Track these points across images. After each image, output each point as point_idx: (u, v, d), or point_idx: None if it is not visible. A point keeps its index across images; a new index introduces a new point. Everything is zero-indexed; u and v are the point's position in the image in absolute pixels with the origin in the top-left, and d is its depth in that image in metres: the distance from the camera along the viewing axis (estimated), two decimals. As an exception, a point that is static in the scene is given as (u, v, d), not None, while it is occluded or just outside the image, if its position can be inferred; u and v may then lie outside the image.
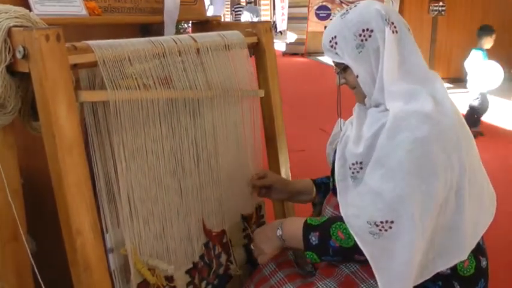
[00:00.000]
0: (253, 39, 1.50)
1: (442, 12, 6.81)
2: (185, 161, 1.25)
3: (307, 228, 1.14)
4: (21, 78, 0.96)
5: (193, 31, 1.70)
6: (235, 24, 1.65)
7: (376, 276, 1.04)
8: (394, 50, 1.09)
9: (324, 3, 11.05)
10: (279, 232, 1.19)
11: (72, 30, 1.20)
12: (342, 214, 1.10)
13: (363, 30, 1.10)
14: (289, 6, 12.03)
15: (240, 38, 1.42)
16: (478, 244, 1.15)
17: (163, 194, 1.19)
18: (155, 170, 1.17)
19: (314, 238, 1.12)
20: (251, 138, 1.51)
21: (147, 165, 1.14)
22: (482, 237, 1.18)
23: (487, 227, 1.17)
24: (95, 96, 1.03)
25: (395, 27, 1.10)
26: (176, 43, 1.20)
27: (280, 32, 14.79)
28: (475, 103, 4.49)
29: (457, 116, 1.10)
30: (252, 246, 1.31)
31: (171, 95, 1.18)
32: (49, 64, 0.88)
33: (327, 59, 1.22)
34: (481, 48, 4.93)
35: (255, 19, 12.67)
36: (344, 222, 1.08)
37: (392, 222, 1.01)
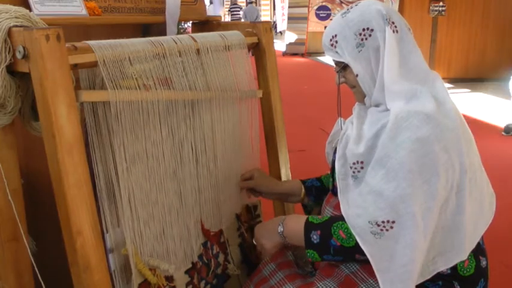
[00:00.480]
0: (254, 40, 1.50)
1: (442, 13, 6.81)
2: (184, 164, 1.25)
3: (309, 226, 1.14)
4: (21, 78, 0.96)
5: (194, 31, 1.70)
6: (236, 24, 1.65)
7: (378, 276, 1.04)
8: (394, 49, 1.09)
9: (324, 4, 11.05)
10: (280, 229, 1.20)
11: (72, 30, 1.20)
12: (343, 214, 1.10)
13: (363, 30, 1.10)
14: (289, 7, 12.03)
15: (240, 38, 1.42)
16: (478, 244, 1.15)
17: (164, 197, 1.19)
18: (155, 173, 1.17)
19: (315, 237, 1.12)
20: (249, 139, 1.51)
21: (147, 168, 1.14)
22: (482, 237, 1.18)
23: (487, 227, 1.17)
24: (95, 96, 1.03)
25: (395, 26, 1.11)
26: (176, 43, 1.20)
27: (280, 32, 14.80)
28: None
29: (458, 116, 1.10)
30: (253, 241, 1.31)
31: (171, 95, 1.18)
32: (49, 64, 0.88)
33: (327, 59, 1.22)
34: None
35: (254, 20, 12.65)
36: (346, 222, 1.08)
37: (393, 222, 1.01)
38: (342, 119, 1.35)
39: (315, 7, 11.06)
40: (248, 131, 1.50)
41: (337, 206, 1.19)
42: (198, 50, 1.26)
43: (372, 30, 1.10)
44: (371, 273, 1.09)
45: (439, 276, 1.11)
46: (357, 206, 1.08)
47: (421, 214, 1.02)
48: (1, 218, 1.02)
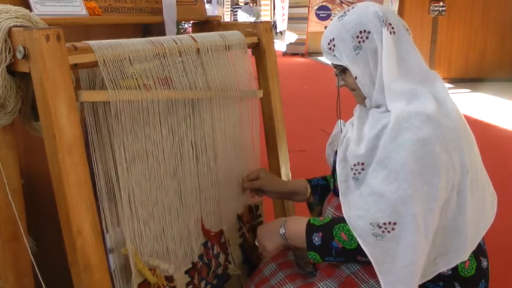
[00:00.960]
0: (254, 40, 1.50)
1: (443, 13, 6.81)
2: (185, 163, 1.25)
3: (310, 228, 1.14)
4: (21, 78, 0.96)
5: (194, 31, 1.70)
6: (236, 24, 1.65)
7: (380, 278, 1.04)
8: (392, 50, 1.09)
9: (324, 4, 11.05)
10: (282, 230, 1.20)
11: (73, 30, 1.20)
12: (345, 215, 1.10)
13: (360, 32, 1.10)
14: (290, 7, 12.03)
15: (240, 38, 1.42)
16: (479, 245, 1.15)
17: (164, 196, 1.19)
18: (155, 172, 1.17)
19: (317, 239, 1.12)
20: (250, 139, 1.51)
21: (147, 167, 1.14)
22: (483, 238, 1.18)
23: (488, 228, 1.17)
24: (95, 96, 1.03)
25: (392, 28, 1.11)
26: (176, 43, 1.20)
27: (280, 32, 14.80)
28: None
29: (459, 117, 1.10)
30: (256, 242, 1.31)
31: (171, 95, 1.18)
32: (49, 64, 0.88)
33: (327, 60, 1.21)
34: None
35: (251, 19, 12.73)
36: (347, 224, 1.08)
37: (395, 223, 1.01)
38: (341, 121, 1.35)
39: (315, 7, 11.06)
40: (249, 130, 1.50)
41: (338, 207, 1.19)
42: (198, 49, 1.26)
43: (369, 32, 1.10)
44: (372, 274, 1.09)
45: (439, 277, 1.10)
46: (358, 208, 1.08)
47: (422, 215, 1.01)
48: (1, 218, 1.02)
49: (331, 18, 11.10)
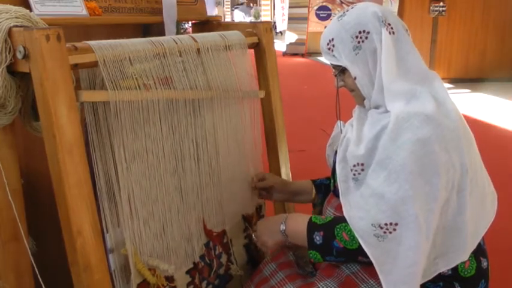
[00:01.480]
0: (254, 40, 1.50)
1: (443, 13, 6.81)
2: (185, 161, 1.25)
3: (312, 227, 1.13)
4: (21, 79, 0.96)
5: (194, 31, 1.70)
6: (236, 25, 1.65)
7: (381, 278, 1.04)
8: (391, 50, 1.09)
9: (324, 4, 11.04)
10: (282, 227, 1.19)
11: (73, 31, 1.20)
12: (346, 216, 1.09)
13: (360, 32, 1.10)
14: (290, 7, 12.02)
15: (240, 38, 1.42)
16: (479, 245, 1.15)
17: (164, 194, 1.19)
18: (156, 170, 1.17)
19: (318, 237, 1.11)
20: (251, 139, 1.51)
21: (147, 165, 1.14)
22: (482, 238, 1.18)
23: (488, 227, 1.17)
24: (96, 96, 1.03)
25: (392, 28, 1.11)
26: (176, 43, 1.20)
27: (280, 32, 14.81)
28: None
29: (458, 116, 1.10)
30: (253, 237, 1.31)
31: (171, 95, 1.18)
32: (49, 64, 0.88)
33: (326, 60, 1.21)
34: None
35: (247, 19, 12.79)
36: (349, 224, 1.08)
37: (396, 224, 1.01)
38: (341, 122, 1.35)
39: (315, 7, 11.05)
40: (250, 130, 1.50)
41: (338, 207, 1.19)
42: (198, 49, 1.26)
43: (368, 32, 1.10)
44: (372, 274, 1.09)
45: (439, 277, 1.10)
46: (359, 209, 1.07)
47: (423, 215, 1.01)
48: (1, 218, 1.02)
49: (331, 18, 11.09)
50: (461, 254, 1.09)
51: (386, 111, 1.10)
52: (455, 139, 1.06)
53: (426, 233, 1.03)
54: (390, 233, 1.02)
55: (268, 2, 17.39)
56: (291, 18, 11.79)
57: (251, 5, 20.86)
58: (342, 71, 1.17)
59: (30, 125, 1.04)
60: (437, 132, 1.02)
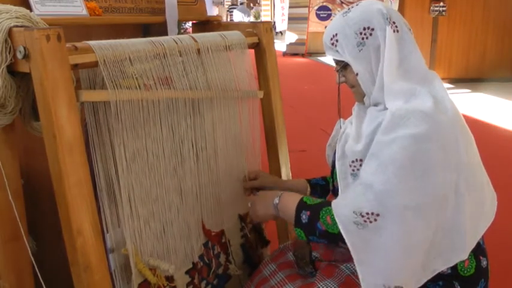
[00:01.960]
0: (254, 40, 1.50)
1: (443, 13, 6.81)
2: (185, 161, 1.25)
3: (301, 205, 1.16)
4: (21, 79, 0.96)
5: (194, 31, 1.70)
6: (236, 25, 1.65)
7: (358, 269, 1.05)
8: (394, 48, 1.10)
9: (324, 4, 11.04)
10: (276, 201, 1.22)
11: (73, 31, 1.20)
12: (332, 203, 1.11)
13: (364, 29, 1.10)
14: (290, 7, 12.02)
15: (240, 38, 1.42)
16: (479, 244, 1.15)
17: (164, 193, 1.19)
18: (156, 170, 1.17)
19: (304, 216, 1.14)
20: (250, 139, 1.51)
21: (147, 165, 1.15)
22: (482, 237, 1.18)
23: (488, 227, 1.17)
24: (96, 96, 1.03)
25: (396, 26, 1.11)
26: (177, 43, 1.20)
27: (280, 32, 14.82)
28: None
29: (456, 116, 1.10)
30: (249, 204, 1.34)
31: (171, 95, 1.18)
32: (50, 64, 0.88)
33: (327, 60, 1.21)
34: None
35: (246, 19, 12.81)
36: None
37: (378, 215, 1.02)
38: (342, 119, 1.35)
39: (316, 7, 11.05)
40: (249, 130, 1.50)
41: None
42: (198, 49, 1.26)
43: (373, 29, 1.10)
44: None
45: (439, 276, 1.10)
46: (345, 197, 1.10)
47: (412, 212, 1.01)
48: (2, 218, 1.02)
49: (331, 18, 11.09)
50: (461, 253, 1.09)
51: (385, 109, 1.10)
52: (452, 138, 1.06)
53: (414, 230, 1.02)
54: (371, 222, 1.02)
55: (268, 2, 17.40)
56: (291, 18, 11.79)
57: (251, 5, 20.89)
58: (344, 66, 1.17)
59: (30, 125, 1.04)
60: (433, 130, 1.02)
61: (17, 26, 0.92)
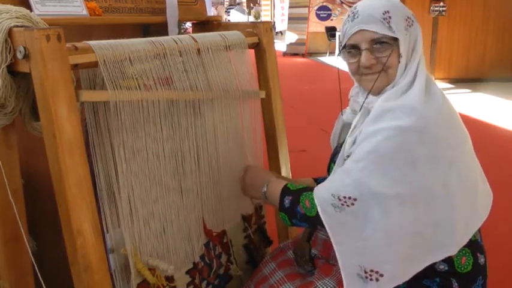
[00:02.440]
0: (254, 40, 1.50)
1: (443, 13, 6.82)
2: (186, 161, 1.25)
3: (284, 191, 1.21)
4: (21, 79, 0.96)
5: (194, 31, 1.70)
6: (236, 25, 1.65)
7: (334, 248, 1.07)
8: (421, 46, 1.14)
9: (324, 4, 11.05)
10: (264, 189, 1.28)
11: (73, 31, 1.20)
12: (315, 188, 1.14)
13: (408, 17, 1.14)
14: (290, 7, 12.04)
15: (240, 38, 1.42)
16: (476, 241, 1.15)
17: (164, 194, 1.19)
18: (156, 170, 1.17)
19: (287, 201, 1.19)
20: (251, 139, 1.51)
21: (147, 165, 1.15)
22: (480, 234, 1.18)
23: (481, 224, 1.17)
24: (96, 96, 1.03)
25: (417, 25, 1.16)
26: (177, 43, 1.20)
27: (280, 32, 14.83)
28: None
29: (448, 112, 1.10)
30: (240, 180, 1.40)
31: (171, 95, 1.18)
32: (50, 64, 0.88)
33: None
34: None
35: (244, 18, 12.88)
36: None
37: (355, 199, 1.04)
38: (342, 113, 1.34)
39: (316, 7, 11.06)
40: (251, 130, 1.50)
41: None
42: (198, 50, 1.26)
43: (413, 21, 1.14)
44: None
45: (436, 272, 1.10)
46: (327, 181, 1.13)
47: (393, 200, 1.02)
48: (2, 218, 1.02)
49: (331, 18, 11.10)
50: (449, 248, 1.09)
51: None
52: (438, 133, 1.05)
53: (397, 218, 1.03)
54: (348, 206, 1.04)
55: (268, 2, 17.40)
56: (291, 18, 11.80)
57: (251, 5, 20.90)
58: (391, 42, 1.11)
59: (30, 125, 1.04)
60: (420, 124, 1.03)
61: (17, 26, 0.92)
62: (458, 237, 1.10)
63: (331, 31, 10.42)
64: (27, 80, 0.95)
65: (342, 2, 10.92)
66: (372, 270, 1.05)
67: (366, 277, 1.05)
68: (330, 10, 10.99)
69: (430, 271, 1.09)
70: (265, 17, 17.57)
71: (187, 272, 1.27)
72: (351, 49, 1.15)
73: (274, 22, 14.98)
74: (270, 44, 1.54)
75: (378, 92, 1.14)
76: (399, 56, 1.12)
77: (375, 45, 1.12)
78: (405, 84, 1.11)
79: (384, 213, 1.02)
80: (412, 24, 1.13)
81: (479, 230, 1.17)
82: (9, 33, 0.91)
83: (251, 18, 17.34)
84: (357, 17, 1.12)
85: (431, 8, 6.91)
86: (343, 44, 1.18)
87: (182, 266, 1.26)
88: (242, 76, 1.43)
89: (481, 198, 1.16)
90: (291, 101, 5.34)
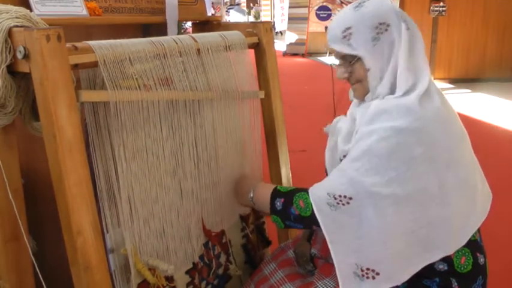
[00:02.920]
0: (254, 40, 1.50)
1: (443, 13, 6.81)
2: (185, 161, 1.25)
3: (275, 193, 1.22)
4: (21, 79, 0.96)
5: (194, 31, 1.70)
6: (236, 25, 1.65)
7: (329, 246, 1.08)
8: (407, 46, 1.10)
9: (324, 4, 11.04)
10: (250, 195, 1.30)
11: (73, 31, 1.20)
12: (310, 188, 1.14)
13: (380, 24, 1.10)
14: (290, 7, 12.03)
15: (240, 38, 1.42)
16: (476, 241, 1.15)
17: (164, 194, 1.19)
18: (155, 170, 1.17)
19: (279, 203, 1.19)
20: (251, 139, 1.51)
21: (147, 165, 1.15)
22: (480, 234, 1.18)
23: (480, 224, 1.17)
24: (96, 96, 1.03)
25: (407, 24, 1.12)
26: (177, 43, 1.20)
27: (280, 32, 14.83)
28: None
29: (446, 112, 1.10)
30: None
31: (171, 95, 1.18)
32: (50, 64, 0.88)
33: (327, 60, 1.20)
34: None
35: (243, 18, 12.88)
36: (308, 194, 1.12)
37: (350, 198, 1.05)
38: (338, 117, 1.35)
39: (316, 7, 11.05)
40: (250, 131, 1.50)
41: None
42: (198, 50, 1.26)
43: (388, 25, 1.10)
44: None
45: (436, 272, 1.11)
46: (323, 180, 1.13)
47: (388, 199, 1.02)
48: (2, 218, 1.02)
49: (331, 18, 11.08)
50: (447, 249, 1.09)
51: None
52: (438, 133, 1.05)
53: (392, 218, 1.03)
54: (343, 205, 1.05)
55: (268, 2, 17.40)
56: (291, 18, 11.79)
57: (251, 5, 20.90)
58: (353, 61, 1.14)
59: (30, 125, 1.05)
60: (415, 124, 1.03)
61: (17, 26, 0.92)
62: (455, 237, 1.10)
63: (331, 31, 10.39)
64: (27, 80, 0.95)
65: (342, 2, 10.91)
66: (368, 269, 1.06)
67: (362, 275, 1.06)
68: (330, 10, 10.98)
69: (429, 271, 1.09)
70: (265, 17, 17.57)
71: (187, 272, 1.27)
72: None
73: (274, 22, 14.98)
74: (270, 44, 1.54)
75: (362, 99, 1.18)
76: (366, 69, 1.13)
77: (343, 61, 1.16)
78: (386, 92, 1.10)
79: (379, 213, 1.03)
80: (386, 30, 1.10)
81: (478, 230, 1.17)
82: (9, 33, 0.91)
83: (251, 18, 17.34)
84: (327, 33, 1.17)
85: (431, 8, 6.90)
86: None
87: (182, 266, 1.26)
88: (242, 76, 1.43)
89: (480, 198, 1.16)
90: (291, 101, 5.34)
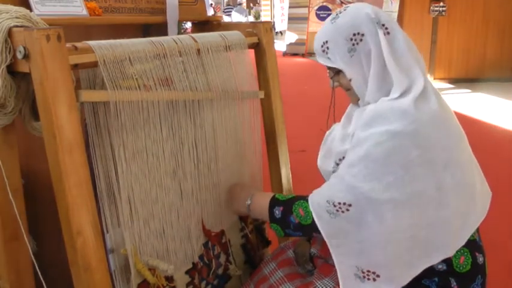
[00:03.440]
0: (254, 40, 1.50)
1: (443, 13, 6.81)
2: (185, 162, 1.25)
3: (273, 202, 1.22)
4: (21, 79, 0.96)
5: (194, 31, 1.70)
6: (236, 25, 1.65)
7: (330, 249, 1.08)
8: (387, 51, 1.09)
9: (324, 4, 11.05)
10: (248, 202, 1.30)
11: (73, 31, 1.20)
12: (310, 196, 1.14)
13: (354, 35, 1.11)
14: (290, 7, 12.04)
15: (240, 38, 1.42)
16: (475, 241, 1.15)
17: (164, 195, 1.19)
18: (155, 171, 1.17)
19: (278, 212, 1.19)
20: (251, 139, 1.51)
21: (147, 166, 1.15)
22: (479, 234, 1.18)
23: (479, 224, 1.17)
24: (96, 96, 1.03)
25: (386, 28, 1.11)
26: (177, 43, 1.20)
27: (280, 32, 14.83)
28: None
29: (442, 113, 1.09)
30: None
31: (171, 96, 1.18)
32: (50, 64, 0.88)
33: (320, 62, 1.21)
34: None
35: (244, 19, 12.86)
36: (308, 202, 1.13)
37: (350, 205, 1.05)
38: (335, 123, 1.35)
39: (315, 7, 11.06)
40: (250, 131, 1.50)
41: None
42: (198, 50, 1.26)
43: (363, 34, 1.10)
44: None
45: (434, 272, 1.11)
46: (321, 188, 1.13)
47: (387, 204, 1.02)
48: (2, 218, 1.02)
49: (331, 18, 11.07)
50: (447, 250, 1.09)
51: None
52: (431, 135, 1.05)
53: (392, 223, 1.03)
54: (343, 212, 1.05)
55: (268, 2, 17.40)
56: (291, 18, 11.79)
57: (251, 5, 20.90)
58: (337, 72, 1.17)
59: (30, 125, 1.05)
60: (411, 127, 1.03)
61: (17, 26, 0.92)
62: (454, 239, 1.10)
63: (331, 31, 10.39)
64: (27, 80, 0.95)
65: (342, 2, 10.91)
66: (368, 271, 1.07)
67: (363, 276, 1.06)
68: (330, 10, 10.97)
69: (428, 271, 1.09)
70: (265, 17, 17.57)
71: (187, 272, 1.27)
72: None
73: (274, 22, 14.98)
74: (270, 44, 1.54)
75: (357, 104, 1.20)
76: (348, 79, 1.15)
77: (331, 72, 1.20)
78: (377, 96, 1.10)
79: (379, 218, 1.03)
80: (361, 40, 1.10)
81: (477, 229, 1.18)
82: (9, 33, 0.91)
83: (251, 18, 17.33)
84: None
85: (431, 8, 6.90)
86: None
87: (182, 266, 1.26)
88: (242, 76, 1.43)
89: (479, 198, 1.16)
90: (291, 101, 5.34)
